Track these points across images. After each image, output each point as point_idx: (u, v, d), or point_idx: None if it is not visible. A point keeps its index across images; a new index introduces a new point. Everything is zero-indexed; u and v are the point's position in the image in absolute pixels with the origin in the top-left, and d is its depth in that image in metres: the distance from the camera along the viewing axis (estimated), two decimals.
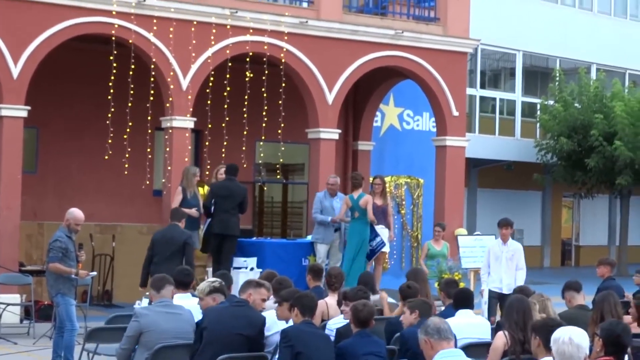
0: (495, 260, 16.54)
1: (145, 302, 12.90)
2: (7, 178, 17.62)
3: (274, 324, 9.94)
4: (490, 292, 16.58)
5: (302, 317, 9.16)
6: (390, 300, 14.13)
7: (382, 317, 11.81)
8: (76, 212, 13.73)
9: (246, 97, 19.84)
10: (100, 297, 20.37)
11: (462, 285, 14.56)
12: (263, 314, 10.27)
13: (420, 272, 13.16)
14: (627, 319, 11.82)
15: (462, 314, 10.50)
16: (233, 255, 18.29)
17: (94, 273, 14.19)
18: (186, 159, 19.32)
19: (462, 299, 10.70)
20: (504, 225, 16.66)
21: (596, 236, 40.77)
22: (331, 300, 11.63)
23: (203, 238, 18.42)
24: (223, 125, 19.97)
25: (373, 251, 19.10)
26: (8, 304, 16.86)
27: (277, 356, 9.09)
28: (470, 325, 10.41)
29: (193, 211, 17.52)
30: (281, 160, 21.81)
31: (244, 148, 20.58)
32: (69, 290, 13.43)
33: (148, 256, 15.62)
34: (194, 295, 11.32)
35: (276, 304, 10.03)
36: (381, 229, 19.02)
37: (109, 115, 18.54)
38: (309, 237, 19.61)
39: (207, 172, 19.94)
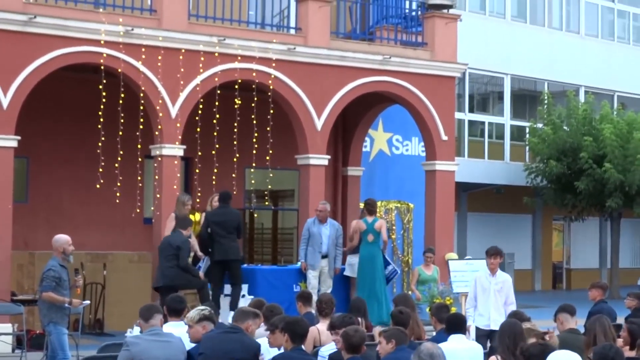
0: (483, 293, 15.39)
1: (136, 330, 12.91)
2: None
3: (266, 352, 9.98)
4: (478, 329, 15.30)
5: (292, 343, 9.20)
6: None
7: (373, 343, 11.82)
8: (61, 236, 13.82)
9: (235, 124, 19.89)
10: (91, 326, 20.33)
11: (453, 309, 14.61)
12: (261, 340, 10.34)
13: (408, 298, 13.20)
14: (619, 342, 11.87)
15: (455, 339, 10.52)
16: (241, 280, 18.28)
17: (87, 302, 14.17)
18: (175, 187, 19.33)
19: (455, 324, 10.73)
20: (492, 255, 15.40)
21: (587, 259, 40.80)
22: (322, 326, 11.64)
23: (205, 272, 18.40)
24: (213, 152, 20.02)
25: (387, 278, 19.30)
26: (0, 334, 16.87)
27: None
28: (464, 350, 10.44)
29: (195, 245, 17.67)
30: (269, 186, 21.86)
31: (234, 175, 20.61)
32: (61, 319, 13.44)
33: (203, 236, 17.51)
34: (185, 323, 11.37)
35: (267, 332, 10.08)
36: None
37: (99, 144, 18.58)
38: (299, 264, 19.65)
39: (198, 200, 19.97)
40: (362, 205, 20.72)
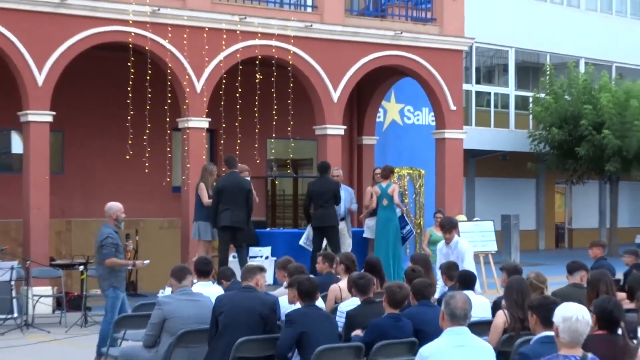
0: (445, 259, 14.79)
1: (168, 290, 12.95)
2: (36, 179, 17.69)
3: (287, 307, 10.01)
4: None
5: (301, 300, 9.23)
6: None
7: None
8: (114, 204, 13.71)
9: (257, 97, 19.87)
10: (126, 287, 20.39)
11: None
12: (282, 298, 10.37)
13: (426, 258, 13.16)
14: (621, 295, 11.87)
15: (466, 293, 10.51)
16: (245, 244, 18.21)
17: (147, 261, 14.04)
18: (203, 157, 19.38)
19: (465, 281, 10.73)
20: (446, 231, 15.35)
21: (588, 220, 40.77)
22: (344, 284, 11.63)
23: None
24: (236, 124, 20.05)
25: (404, 238, 19.29)
26: (41, 296, 16.98)
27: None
28: (475, 304, 10.43)
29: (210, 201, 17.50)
30: (291, 155, 21.86)
31: (256, 145, 20.64)
32: (120, 283, 13.46)
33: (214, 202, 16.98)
34: (214, 283, 11.42)
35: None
36: None
37: (129, 117, 18.63)
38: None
39: (223, 169, 19.97)
40: (374, 170, 20.65)
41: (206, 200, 17.49)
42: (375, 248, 19.04)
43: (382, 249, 18.68)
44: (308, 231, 18.64)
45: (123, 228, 13.94)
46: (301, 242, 18.75)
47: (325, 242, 18.37)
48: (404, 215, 19.74)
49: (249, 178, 17.98)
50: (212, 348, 9.20)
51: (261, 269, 9.88)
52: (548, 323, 6.76)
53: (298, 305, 9.50)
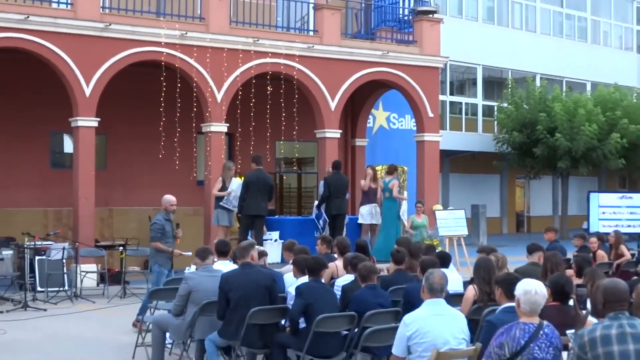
0: None
1: (193, 268, 12.89)
2: (84, 175, 17.66)
3: (292, 281, 9.97)
4: None
5: (309, 275, 9.19)
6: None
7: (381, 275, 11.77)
8: (168, 197, 13.66)
9: (267, 106, 19.79)
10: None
11: (439, 249, 14.53)
12: (287, 275, 10.33)
13: (406, 240, 13.08)
14: (569, 272, 11.80)
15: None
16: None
17: (188, 253, 13.77)
18: (222, 156, 19.33)
19: (443, 260, 10.68)
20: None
21: (543, 208, 40.71)
22: (339, 263, 11.60)
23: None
24: (250, 128, 19.99)
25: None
26: (87, 272, 16.95)
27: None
28: (451, 280, 10.38)
29: (226, 192, 17.38)
30: (296, 155, 21.78)
31: (267, 146, 20.57)
32: (164, 262, 13.41)
33: (242, 194, 16.63)
34: (231, 262, 11.36)
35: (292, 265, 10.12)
36: (375, 207, 18.97)
37: (161, 123, 18.57)
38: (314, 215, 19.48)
39: (239, 165, 19.92)
40: (366, 168, 20.54)
41: (215, 191, 17.44)
42: (381, 228, 18.85)
43: (383, 231, 18.60)
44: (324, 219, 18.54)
45: (173, 218, 13.78)
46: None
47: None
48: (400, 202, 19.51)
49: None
50: (228, 319, 9.05)
51: (251, 245, 9.79)
52: (511, 295, 6.71)
53: (302, 280, 9.45)
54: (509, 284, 7.01)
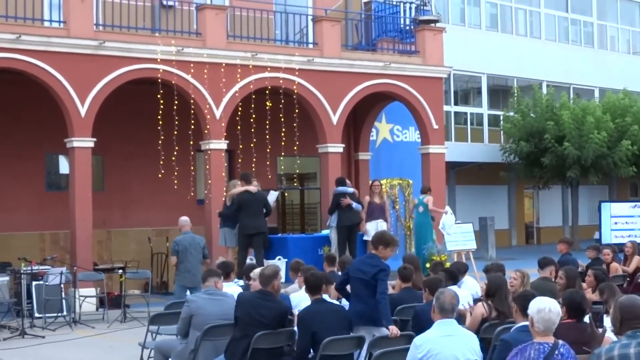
0: None
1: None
2: (80, 196, 17.63)
3: (299, 301, 9.93)
4: None
5: (310, 294, 9.03)
6: None
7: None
8: (181, 219, 15.77)
9: (267, 121, 19.79)
10: (158, 287, 20.35)
11: (447, 265, 14.48)
12: (293, 295, 10.27)
13: (414, 258, 13.07)
14: (585, 286, 11.75)
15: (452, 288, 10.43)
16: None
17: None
18: (222, 174, 19.31)
19: (451, 277, 10.65)
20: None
21: (553, 219, 40.61)
22: None
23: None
24: (251, 145, 20.00)
25: None
26: (86, 296, 16.90)
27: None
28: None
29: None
30: (297, 170, 21.76)
31: (268, 163, 20.57)
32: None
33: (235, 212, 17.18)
34: (235, 283, 11.33)
35: (299, 288, 10.06)
36: (381, 223, 18.96)
37: (159, 141, 18.57)
38: (324, 232, 19.53)
39: (239, 183, 19.87)
40: (370, 182, 20.52)
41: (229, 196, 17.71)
42: (416, 241, 19.90)
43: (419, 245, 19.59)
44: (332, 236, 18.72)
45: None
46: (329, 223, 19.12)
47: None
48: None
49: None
50: (234, 345, 8.90)
51: (276, 274, 9.29)
52: (526, 313, 6.67)
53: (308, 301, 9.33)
54: (524, 301, 6.96)
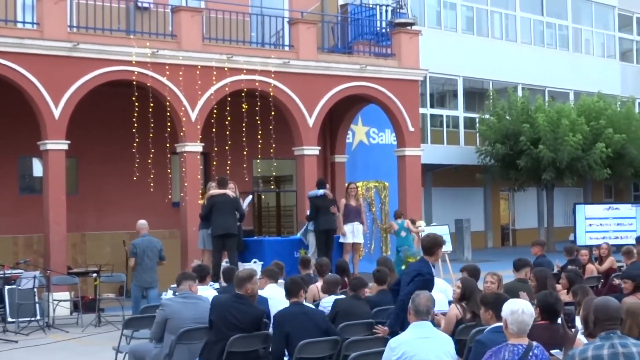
0: None
1: (169, 293, 12.81)
2: (54, 199, 17.52)
3: (277, 306, 9.91)
4: None
5: (287, 298, 9.12)
6: None
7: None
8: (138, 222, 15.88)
9: (243, 124, 19.76)
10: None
11: None
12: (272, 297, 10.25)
13: (388, 261, 13.12)
14: (558, 287, 11.80)
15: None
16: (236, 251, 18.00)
17: None
18: (198, 177, 19.26)
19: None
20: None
21: (528, 221, 40.83)
22: (320, 284, 11.56)
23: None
24: (226, 147, 19.95)
25: None
26: (60, 300, 16.79)
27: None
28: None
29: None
30: (274, 173, 21.74)
31: (244, 165, 20.54)
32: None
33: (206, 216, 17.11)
34: (210, 286, 11.29)
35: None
36: (357, 225, 18.98)
37: (134, 144, 18.49)
38: (300, 234, 19.50)
39: (213, 184, 19.87)
40: (346, 185, 20.50)
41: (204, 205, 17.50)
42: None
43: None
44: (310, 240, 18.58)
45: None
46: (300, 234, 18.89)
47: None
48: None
49: (236, 193, 17.85)
50: (209, 349, 8.84)
51: (251, 277, 9.07)
52: (500, 316, 6.69)
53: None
54: (500, 304, 6.97)
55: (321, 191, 18.65)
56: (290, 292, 9.07)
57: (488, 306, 7.35)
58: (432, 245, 9.01)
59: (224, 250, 17.33)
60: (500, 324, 6.66)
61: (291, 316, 8.72)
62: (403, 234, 19.70)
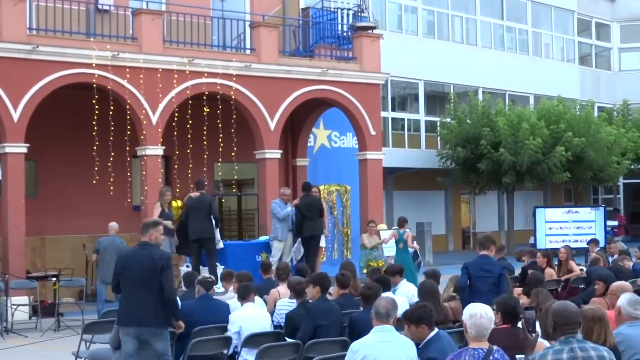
0: None
1: None
2: (13, 203, 17.38)
3: (235, 309, 9.93)
4: None
5: (320, 293, 9.54)
6: None
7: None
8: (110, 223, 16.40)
9: (205, 127, 19.73)
10: (93, 295, 20.05)
11: (384, 271, 14.55)
12: (228, 302, 10.25)
13: (350, 264, 13.19)
14: (517, 291, 11.92)
15: (385, 294, 10.49)
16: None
17: None
18: (159, 180, 19.19)
19: (384, 283, 10.72)
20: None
21: (489, 224, 41.02)
22: (282, 288, 11.57)
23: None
24: (187, 151, 19.89)
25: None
26: (19, 305, 16.62)
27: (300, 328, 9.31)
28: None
29: (168, 223, 17.26)
30: (235, 176, 21.71)
31: (205, 169, 20.50)
32: None
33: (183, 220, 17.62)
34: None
35: (235, 295, 10.13)
36: None
37: (95, 147, 18.39)
38: (262, 238, 19.47)
39: (178, 190, 19.83)
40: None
41: (156, 217, 17.31)
42: None
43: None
44: (298, 245, 18.41)
45: None
46: (293, 252, 18.48)
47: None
48: (417, 251, 20.18)
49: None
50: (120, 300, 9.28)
51: (155, 224, 9.36)
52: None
53: (247, 306, 9.57)
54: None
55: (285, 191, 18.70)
56: (243, 296, 9.73)
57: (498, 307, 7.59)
58: (485, 241, 11.09)
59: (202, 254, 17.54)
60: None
61: (322, 310, 9.26)
62: (401, 245, 19.06)
